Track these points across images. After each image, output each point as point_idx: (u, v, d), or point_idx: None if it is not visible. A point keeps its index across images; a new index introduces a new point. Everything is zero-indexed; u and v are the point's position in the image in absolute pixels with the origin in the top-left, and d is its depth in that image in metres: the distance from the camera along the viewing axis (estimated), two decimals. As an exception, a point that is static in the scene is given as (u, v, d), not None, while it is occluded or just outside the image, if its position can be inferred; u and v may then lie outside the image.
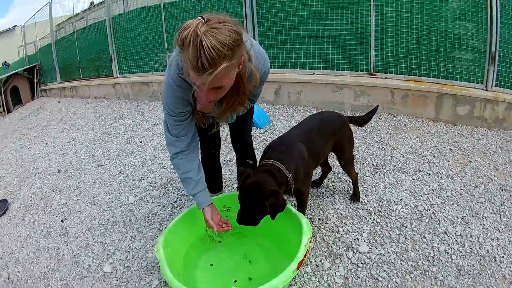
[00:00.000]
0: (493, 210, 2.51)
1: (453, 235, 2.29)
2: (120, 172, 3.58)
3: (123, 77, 7.06)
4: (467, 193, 2.77)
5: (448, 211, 2.54)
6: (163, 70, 6.35)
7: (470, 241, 2.19)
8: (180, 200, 2.95)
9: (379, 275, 1.99)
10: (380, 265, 2.06)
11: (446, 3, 4.23)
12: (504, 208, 2.51)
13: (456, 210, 2.56)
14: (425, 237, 2.29)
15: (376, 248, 2.19)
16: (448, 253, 2.11)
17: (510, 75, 4.24)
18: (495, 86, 4.23)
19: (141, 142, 4.27)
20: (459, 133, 3.97)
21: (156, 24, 6.31)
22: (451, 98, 4.24)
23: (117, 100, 6.92)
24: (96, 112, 6.07)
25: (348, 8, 4.62)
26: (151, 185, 3.23)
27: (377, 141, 3.73)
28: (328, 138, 2.18)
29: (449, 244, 2.22)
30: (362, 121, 2.54)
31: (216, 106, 1.66)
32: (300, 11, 4.91)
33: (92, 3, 9.63)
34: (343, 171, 2.55)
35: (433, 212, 2.53)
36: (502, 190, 2.78)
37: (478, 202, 2.65)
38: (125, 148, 4.18)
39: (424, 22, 4.33)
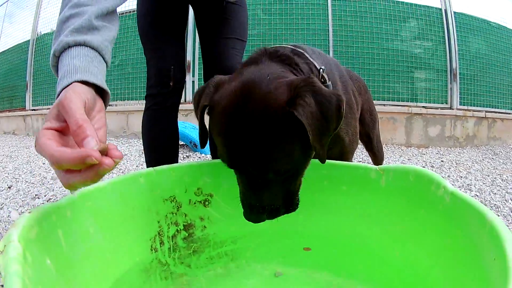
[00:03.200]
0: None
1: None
2: (9, 187, 2.62)
3: (35, 109, 5.81)
4: (492, 185, 2.42)
5: (499, 199, 2.08)
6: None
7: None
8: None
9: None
10: None
11: (405, 23, 4.16)
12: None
13: (501, 196, 2.12)
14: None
15: None
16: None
17: (473, 92, 4.17)
18: (460, 104, 4.11)
19: (44, 163, 3.39)
20: (437, 153, 3.65)
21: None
22: (420, 119, 3.98)
23: (26, 136, 5.67)
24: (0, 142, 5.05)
25: (306, 28, 4.33)
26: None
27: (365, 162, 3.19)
28: (356, 92, 1.43)
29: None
30: None
31: None
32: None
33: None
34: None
35: (489, 200, 2.05)
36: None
37: (510, 189, 2.30)
38: (23, 167, 3.30)
39: (383, 43, 4.18)
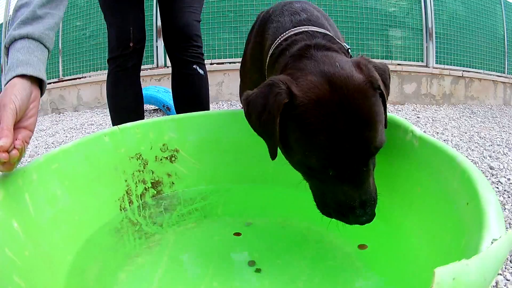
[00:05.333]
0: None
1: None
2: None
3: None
4: (470, 142, 2.44)
5: (477, 155, 2.11)
6: (69, 74, 4.98)
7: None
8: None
9: None
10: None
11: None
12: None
13: (479, 153, 2.17)
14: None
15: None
16: None
17: (449, 51, 4.20)
18: (436, 63, 4.14)
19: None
20: (413, 110, 3.70)
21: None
22: (395, 76, 3.99)
23: None
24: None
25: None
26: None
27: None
28: None
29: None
30: None
31: None
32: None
33: None
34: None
35: (466, 156, 2.07)
36: (496, 138, 2.56)
37: (491, 145, 2.32)
38: None
39: (357, 1, 4.10)
